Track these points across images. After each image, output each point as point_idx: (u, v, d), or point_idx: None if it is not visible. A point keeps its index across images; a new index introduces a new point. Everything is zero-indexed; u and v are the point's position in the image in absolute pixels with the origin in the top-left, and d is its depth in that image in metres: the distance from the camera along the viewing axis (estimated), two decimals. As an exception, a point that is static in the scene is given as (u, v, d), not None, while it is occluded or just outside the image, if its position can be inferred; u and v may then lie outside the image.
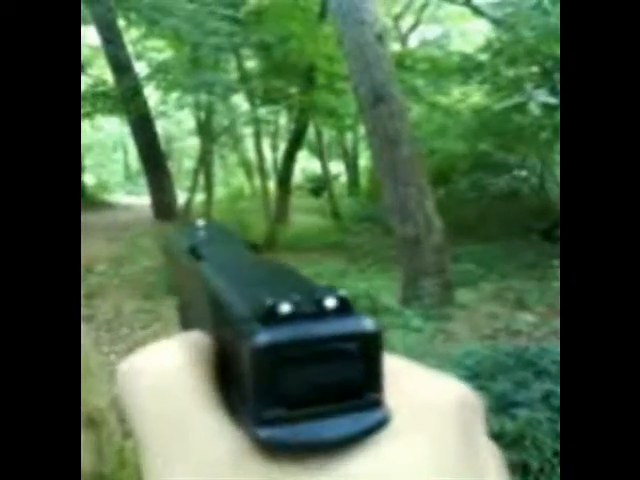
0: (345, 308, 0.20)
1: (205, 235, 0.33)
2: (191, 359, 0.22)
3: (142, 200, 13.96)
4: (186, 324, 0.30)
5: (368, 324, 0.20)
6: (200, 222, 0.36)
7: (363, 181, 14.87)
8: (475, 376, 3.25)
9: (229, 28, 8.20)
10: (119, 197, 17.84)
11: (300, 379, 0.19)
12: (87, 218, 11.65)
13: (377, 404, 0.20)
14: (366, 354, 0.20)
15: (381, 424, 0.20)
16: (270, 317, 0.19)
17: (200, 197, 11.39)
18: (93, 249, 8.42)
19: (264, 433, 0.19)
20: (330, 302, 0.20)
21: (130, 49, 11.91)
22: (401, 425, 0.20)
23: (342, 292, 0.21)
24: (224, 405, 0.21)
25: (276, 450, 0.19)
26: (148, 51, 11.94)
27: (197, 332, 0.24)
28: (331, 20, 6.88)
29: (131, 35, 11.66)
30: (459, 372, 3.29)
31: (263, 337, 0.19)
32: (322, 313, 0.20)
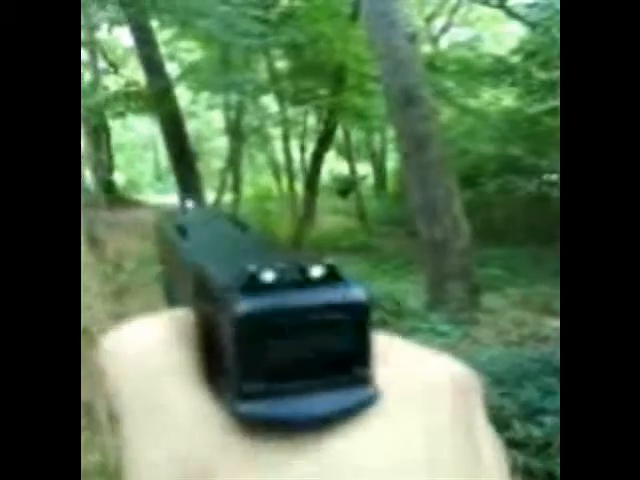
0: (333, 277, 0.19)
1: (194, 215, 0.33)
2: (174, 336, 0.21)
3: (171, 199, 14.13)
4: (171, 302, 0.30)
5: (357, 293, 0.19)
6: (189, 203, 0.35)
7: (390, 183, 14.81)
8: (501, 382, 3.22)
9: (260, 29, 8.25)
10: (149, 196, 18.07)
11: (283, 350, 0.18)
12: (117, 216, 11.84)
13: (366, 380, 0.19)
14: (355, 325, 0.19)
15: (369, 401, 0.19)
16: (252, 285, 0.18)
17: (228, 197, 11.47)
18: (123, 247, 8.55)
19: (244, 408, 0.18)
20: (316, 270, 0.19)
21: (162, 50, 12.06)
22: (391, 404, 0.19)
23: (329, 260, 0.19)
24: (207, 382, 0.20)
25: (256, 426, 0.18)
26: (180, 52, 12.07)
27: (181, 309, 0.23)
28: (362, 21, 6.88)
29: (163, 36, 11.80)
30: (484, 378, 3.26)
31: (244, 305, 0.18)
32: (308, 282, 0.19)
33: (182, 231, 0.28)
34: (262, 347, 0.18)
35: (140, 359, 0.21)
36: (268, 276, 0.18)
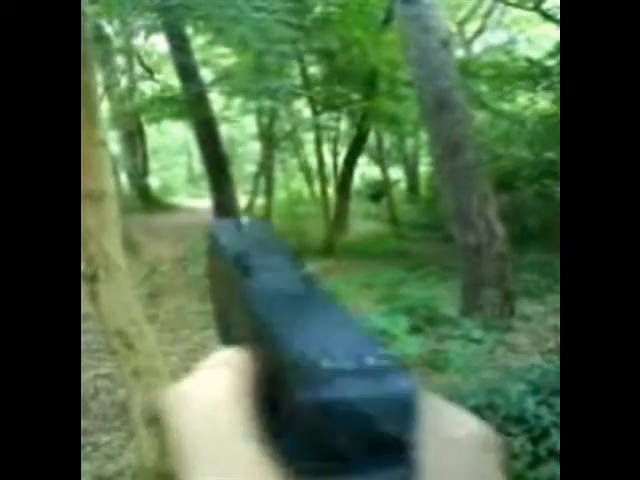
0: (387, 366, 0.21)
1: (250, 240, 0.32)
2: (236, 387, 0.23)
3: (204, 203, 14.28)
4: (225, 336, 0.31)
5: (406, 385, 0.21)
6: (244, 220, 0.35)
7: (422, 188, 14.72)
8: (537, 391, 3.15)
9: (294, 35, 8.29)
10: (182, 199, 18.30)
11: (337, 435, 0.20)
12: (152, 220, 12.01)
13: (408, 460, 0.21)
14: (403, 415, 0.20)
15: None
16: (315, 373, 0.20)
17: (261, 201, 11.55)
18: (157, 250, 8.67)
19: None
20: (372, 360, 0.21)
21: (197, 56, 12.23)
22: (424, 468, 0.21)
23: (385, 350, 0.21)
24: (261, 433, 0.22)
25: None
26: (214, 58, 12.22)
27: (240, 352, 0.24)
28: (395, 26, 6.86)
29: (198, 42, 11.96)
30: (520, 386, 3.20)
31: (307, 393, 0.20)
32: (364, 371, 0.20)
33: (242, 264, 0.28)
34: (320, 431, 0.20)
35: (207, 410, 0.22)
36: (328, 364, 0.20)
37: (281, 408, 0.21)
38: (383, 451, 0.20)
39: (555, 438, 2.77)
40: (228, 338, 0.30)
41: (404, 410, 0.20)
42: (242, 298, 0.27)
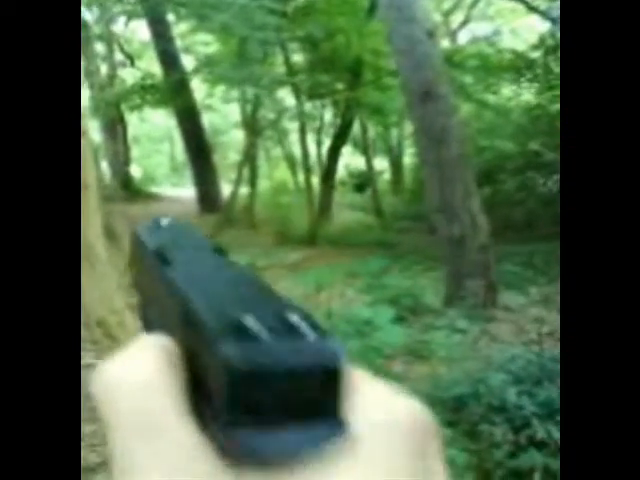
0: (312, 328, 0.21)
1: (171, 236, 0.33)
2: (164, 369, 0.23)
3: (187, 192, 14.18)
4: (148, 323, 0.31)
5: (334, 346, 0.21)
6: (164, 220, 0.36)
7: (407, 178, 14.76)
8: (520, 381, 3.18)
9: (277, 22, 8.22)
10: (165, 189, 18.16)
11: (265, 394, 0.20)
12: (133, 209, 11.90)
13: (337, 422, 0.21)
14: (330, 373, 0.21)
15: (337, 441, 0.21)
16: (239, 333, 0.20)
17: (244, 190, 11.50)
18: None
19: (227, 442, 0.20)
20: (296, 320, 0.21)
21: (178, 43, 12.09)
22: (356, 442, 0.21)
23: (306, 311, 0.22)
24: (194, 414, 0.22)
25: (238, 458, 0.20)
26: (196, 45, 12.09)
27: (164, 336, 0.25)
28: (380, 16, 6.83)
29: (180, 29, 11.83)
30: (503, 376, 3.22)
31: (232, 353, 0.20)
32: (289, 330, 0.21)
33: (162, 256, 0.29)
34: (246, 391, 0.20)
35: (133, 395, 0.22)
36: (253, 325, 0.21)
37: (211, 374, 0.21)
38: (312, 410, 0.21)
39: (536, 428, 2.80)
40: (151, 327, 0.31)
41: (334, 368, 0.21)
42: (162, 286, 0.28)
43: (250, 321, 0.21)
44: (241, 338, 0.20)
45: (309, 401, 0.21)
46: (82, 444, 3.06)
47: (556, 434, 2.74)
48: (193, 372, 0.23)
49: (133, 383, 0.22)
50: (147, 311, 0.33)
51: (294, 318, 0.22)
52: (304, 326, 0.21)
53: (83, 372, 3.09)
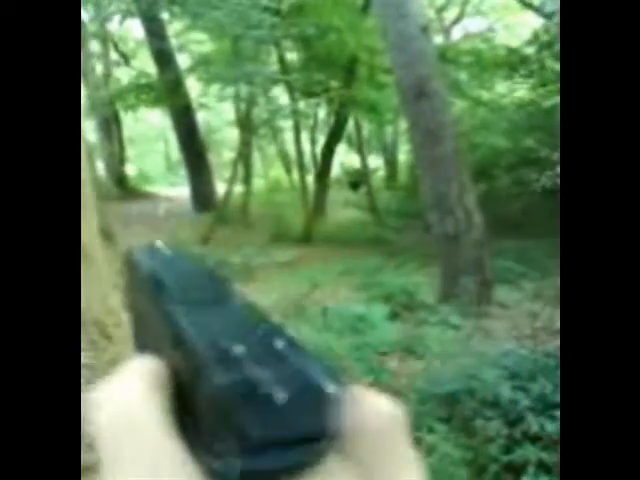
0: (296, 349, 0.22)
1: (166, 260, 0.34)
2: (149, 390, 0.24)
3: (182, 191, 14.16)
4: (141, 346, 0.32)
5: (321, 370, 0.22)
6: (160, 244, 0.37)
7: (401, 176, 14.76)
8: (513, 376, 3.20)
9: (271, 20, 8.22)
10: (160, 188, 18.11)
11: (252, 419, 0.20)
12: (129, 208, 11.88)
13: (321, 439, 0.22)
14: (316, 400, 0.21)
15: (320, 456, 0.22)
16: (226, 358, 0.21)
17: (239, 189, 11.48)
18: (135, 239, 8.57)
19: (215, 464, 0.21)
20: (281, 345, 0.22)
21: (173, 42, 12.06)
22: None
23: (292, 334, 0.22)
24: (181, 434, 0.23)
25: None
26: (190, 44, 12.06)
27: (154, 359, 0.26)
28: (374, 12, 6.83)
29: (174, 28, 11.80)
30: (497, 372, 3.25)
31: (219, 379, 0.21)
32: (273, 354, 0.22)
33: (156, 281, 0.30)
34: (234, 415, 0.20)
35: (123, 419, 0.23)
36: (239, 350, 0.21)
37: (199, 398, 0.22)
38: (295, 439, 0.21)
39: (530, 422, 2.82)
40: (143, 349, 0.31)
41: (318, 393, 0.21)
42: (155, 311, 0.28)
43: (238, 349, 0.22)
44: (229, 367, 0.21)
45: (297, 424, 0.21)
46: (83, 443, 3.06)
47: (550, 428, 2.76)
48: (182, 394, 0.24)
49: (120, 403, 0.23)
50: (140, 333, 0.33)
51: (281, 345, 0.22)
52: (292, 352, 0.22)
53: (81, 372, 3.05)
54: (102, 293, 2.14)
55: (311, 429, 0.21)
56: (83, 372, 3.70)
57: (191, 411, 0.23)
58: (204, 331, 0.24)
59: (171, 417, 0.23)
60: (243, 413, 0.20)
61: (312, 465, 0.21)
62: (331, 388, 0.21)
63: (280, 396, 0.21)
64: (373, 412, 0.24)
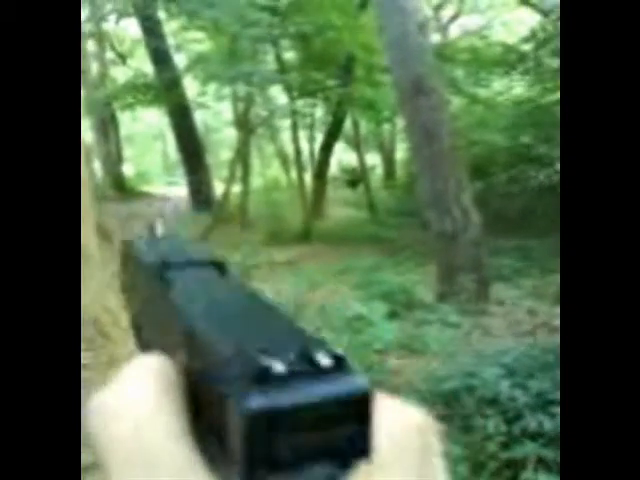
0: (339, 366, 0.20)
1: (168, 249, 0.32)
2: (162, 395, 0.21)
3: (180, 191, 14.15)
4: (144, 342, 0.30)
5: (362, 385, 0.20)
6: (159, 230, 0.34)
7: (399, 174, 14.76)
8: (512, 373, 3.20)
9: (268, 19, 8.21)
10: (158, 187, 18.10)
11: (289, 442, 0.19)
12: (127, 208, 11.87)
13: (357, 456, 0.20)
14: (358, 416, 0.20)
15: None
16: (263, 378, 0.19)
17: (237, 188, 11.48)
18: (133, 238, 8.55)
19: None
20: (325, 360, 0.19)
21: (170, 41, 12.04)
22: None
23: (336, 349, 0.20)
24: (197, 446, 0.21)
25: None
26: (187, 43, 12.04)
27: (162, 357, 0.23)
28: (371, 11, 6.82)
29: (171, 27, 11.78)
30: (496, 369, 3.25)
31: (257, 401, 0.18)
32: (317, 373, 0.19)
33: (164, 274, 0.27)
34: (269, 440, 0.18)
35: (132, 424, 0.21)
36: (279, 368, 0.19)
37: (227, 418, 0.19)
38: (336, 453, 0.19)
39: (529, 419, 2.82)
40: (147, 345, 0.29)
41: (363, 410, 0.20)
42: (162, 305, 0.26)
43: (270, 361, 0.19)
44: (262, 383, 0.18)
45: (335, 444, 0.19)
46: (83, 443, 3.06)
47: (549, 425, 2.77)
48: (196, 400, 0.21)
49: (129, 410, 0.21)
50: (142, 327, 0.31)
51: (315, 352, 0.20)
52: (326, 360, 0.20)
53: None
54: (99, 292, 2.14)
55: (344, 443, 0.20)
56: (81, 372, 3.67)
57: (208, 420, 0.20)
58: (223, 333, 0.21)
59: (184, 423, 0.21)
60: (281, 439, 0.19)
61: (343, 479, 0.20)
62: (367, 400, 0.20)
63: (318, 415, 0.19)
64: (404, 424, 0.23)
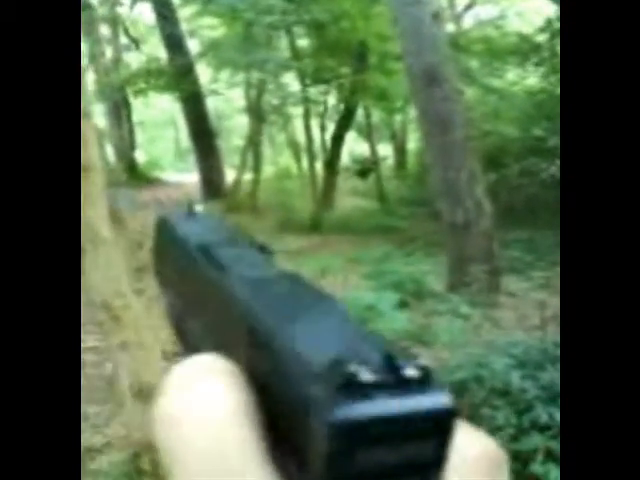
0: (424, 378, 0.18)
1: (207, 229, 0.30)
2: (239, 402, 0.20)
3: (192, 177, 14.17)
4: (186, 334, 0.28)
5: (446, 400, 0.18)
6: (197, 208, 0.32)
7: (410, 164, 14.70)
8: (522, 365, 3.19)
9: (283, 6, 8.17)
10: (169, 173, 18.14)
11: (370, 457, 0.18)
12: (139, 194, 11.91)
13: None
14: (441, 431, 0.19)
15: None
16: (350, 387, 0.17)
17: (248, 176, 11.49)
18: (144, 225, 8.61)
19: None
20: (411, 372, 0.18)
21: (184, 26, 12.02)
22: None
23: (422, 361, 0.19)
24: (275, 463, 0.19)
25: None
26: (201, 29, 12.01)
27: (223, 359, 0.21)
28: (385, -1, 6.76)
29: (185, 13, 11.75)
30: (506, 360, 3.24)
31: (343, 410, 0.17)
32: (402, 383, 0.18)
33: (212, 257, 0.25)
34: (352, 452, 0.17)
35: (208, 431, 0.19)
36: (366, 376, 0.17)
37: (295, 424, 0.18)
38: (416, 471, 0.18)
39: (539, 411, 2.82)
40: (190, 338, 0.27)
41: (446, 426, 0.18)
42: (214, 293, 0.24)
43: (357, 368, 0.18)
44: (347, 392, 0.17)
45: (415, 461, 0.18)
46: (86, 425, 3.09)
47: (558, 417, 2.76)
48: (264, 405, 0.20)
49: (204, 418, 0.19)
50: (182, 317, 0.28)
51: (410, 370, 0.18)
52: (411, 371, 0.18)
53: (87, 354, 3.15)
54: (111, 276, 2.15)
55: (422, 459, 0.18)
56: (90, 355, 3.75)
57: (281, 429, 0.19)
58: (305, 338, 0.19)
59: (261, 435, 0.19)
60: (364, 451, 0.18)
61: None
62: (450, 418, 0.19)
63: (400, 429, 0.18)
64: (479, 451, 0.22)
